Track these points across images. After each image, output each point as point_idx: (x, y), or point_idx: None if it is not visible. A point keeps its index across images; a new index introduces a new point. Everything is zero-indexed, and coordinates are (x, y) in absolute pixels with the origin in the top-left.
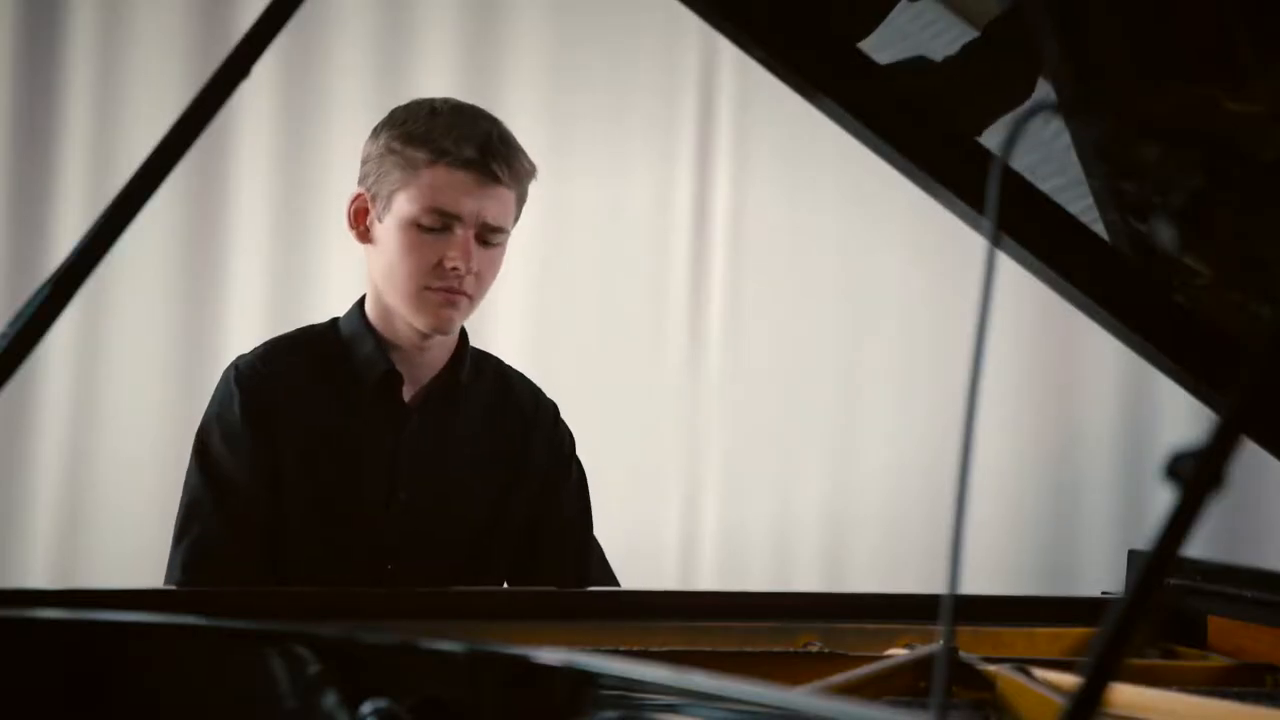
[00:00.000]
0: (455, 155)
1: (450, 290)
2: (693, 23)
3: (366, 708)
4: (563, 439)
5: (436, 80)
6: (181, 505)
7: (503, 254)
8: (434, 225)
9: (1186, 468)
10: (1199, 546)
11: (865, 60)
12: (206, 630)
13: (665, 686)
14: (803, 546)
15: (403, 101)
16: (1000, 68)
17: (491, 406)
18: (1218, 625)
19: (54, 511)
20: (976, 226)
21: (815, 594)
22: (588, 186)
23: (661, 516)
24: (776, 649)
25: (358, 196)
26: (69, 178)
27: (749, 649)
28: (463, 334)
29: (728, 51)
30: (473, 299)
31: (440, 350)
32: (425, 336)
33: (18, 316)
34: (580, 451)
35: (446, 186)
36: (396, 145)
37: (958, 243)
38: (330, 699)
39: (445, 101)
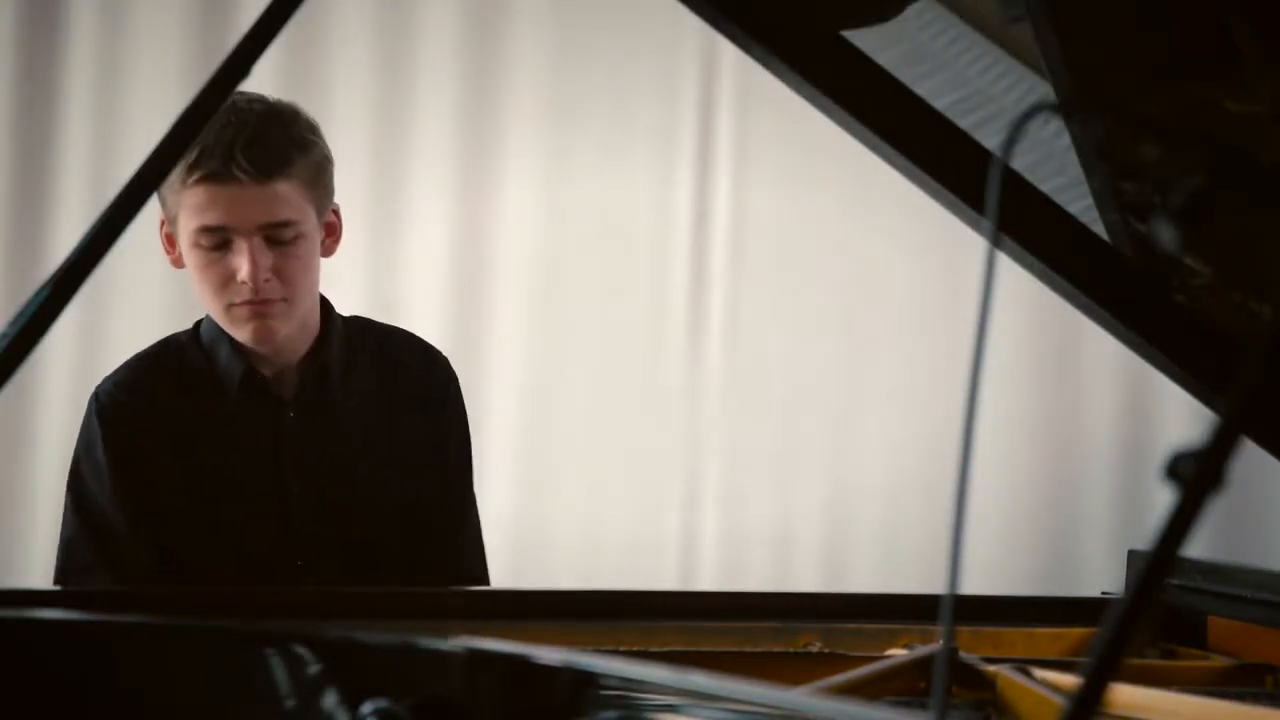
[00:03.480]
0: (204, 171)
1: (252, 303)
2: (693, 23)
3: (366, 708)
4: (456, 400)
5: (436, 80)
6: (60, 543)
7: (310, 246)
8: (213, 243)
9: (1186, 468)
10: (1199, 546)
11: (866, 61)
12: (206, 631)
13: (665, 686)
14: (803, 547)
15: (403, 101)
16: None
17: (377, 381)
18: (1218, 625)
19: (54, 511)
20: (976, 226)
21: (815, 594)
22: (588, 187)
23: (661, 517)
24: (776, 649)
25: (161, 223)
26: (69, 178)
27: (749, 649)
28: (326, 311)
29: (728, 51)
30: (289, 300)
31: (298, 338)
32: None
33: (18, 316)
34: (581, 451)
35: (205, 203)
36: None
37: (958, 243)
38: (330, 699)
39: (229, 104)
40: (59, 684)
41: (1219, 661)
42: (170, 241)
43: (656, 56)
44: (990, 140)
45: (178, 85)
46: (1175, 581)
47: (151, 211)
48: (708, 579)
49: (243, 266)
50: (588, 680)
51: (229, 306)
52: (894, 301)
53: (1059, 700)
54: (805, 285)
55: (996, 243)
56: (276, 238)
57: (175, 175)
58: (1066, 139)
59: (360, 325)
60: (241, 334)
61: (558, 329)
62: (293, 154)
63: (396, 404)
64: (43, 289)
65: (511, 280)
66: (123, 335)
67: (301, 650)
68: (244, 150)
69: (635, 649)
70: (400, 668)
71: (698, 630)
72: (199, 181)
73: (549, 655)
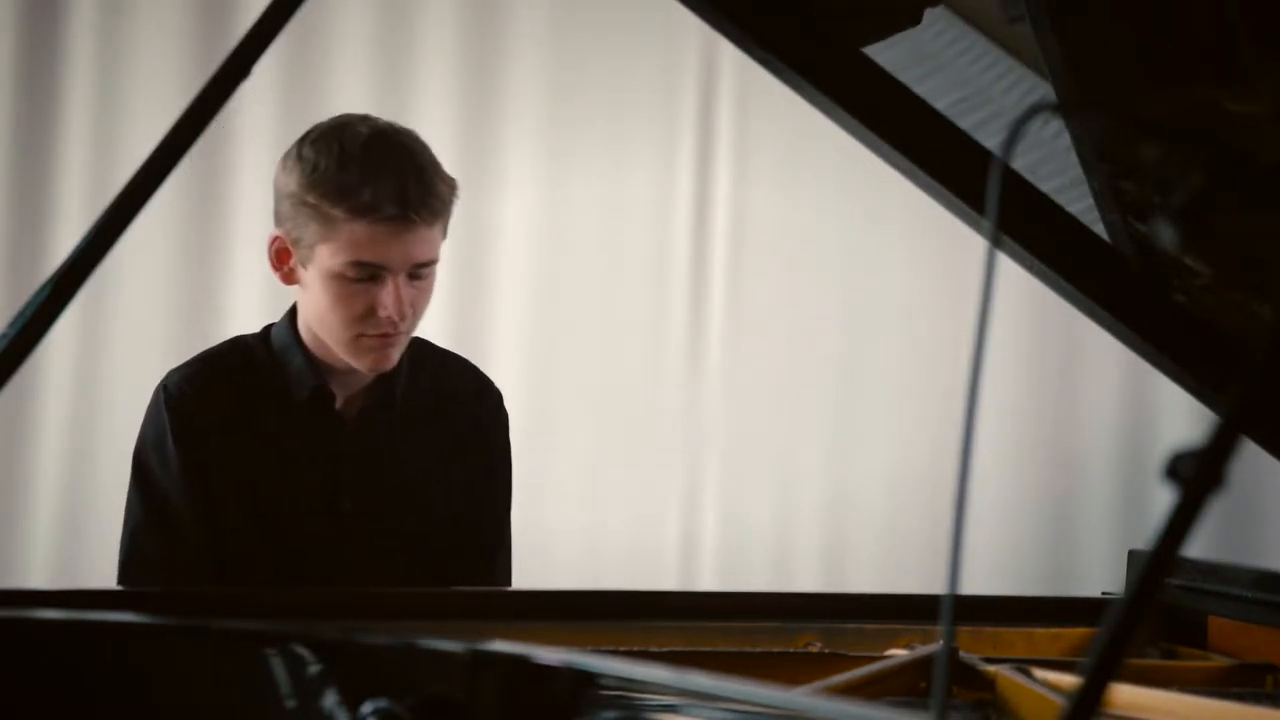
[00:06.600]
0: (374, 212)
1: (386, 334)
2: (693, 23)
3: (366, 708)
4: (503, 428)
5: (436, 80)
6: (124, 531)
7: (434, 276)
8: (361, 276)
9: (1186, 468)
10: (1199, 546)
11: (866, 62)
12: (207, 631)
13: (665, 686)
14: (803, 546)
15: (403, 101)
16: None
17: (433, 406)
18: (1218, 625)
19: (54, 511)
20: (976, 226)
21: (815, 594)
22: (588, 186)
23: (662, 516)
24: (777, 649)
25: (276, 238)
26: (69, 178)
27: (749, 649)
28: None
29: (728, 51)
30: (410, 331)
31: None
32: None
33: (18, 316)
34: (581, 451)
35: (368, 241)
36: (311, 199)
37: (958, 243)
38: (330, 699)
39: (355, 135)
40: (59, 684)
41: (1219, 661)
42: (282, 257)
43: (656, 57)
44: (990, 140)
45: (178, 85)
46: (1175, 581)
47: (151, 212)
48: (708, 579)
49: (388, 303)
50: (588, 680)
51: (358, 336)
52: (894, 300)
53: (1059, 700)
54: (805, 285)
55: (996, 243)
56: (419, 275)
57: (334, 204)
58: (1066, 139)
59: (420, 349)
60: (363, 362)
61: (558, 330)
62: (450, 198)
63: (449, 430)
64: (43, 289)
65: (512, 281)
66: (123, 335)
67: (301, 650)
68: (418, 194)
69: (635, 649)
70: (400, 668)
71: (698, 630)
72: (372, 221)
73: (549, 655)
